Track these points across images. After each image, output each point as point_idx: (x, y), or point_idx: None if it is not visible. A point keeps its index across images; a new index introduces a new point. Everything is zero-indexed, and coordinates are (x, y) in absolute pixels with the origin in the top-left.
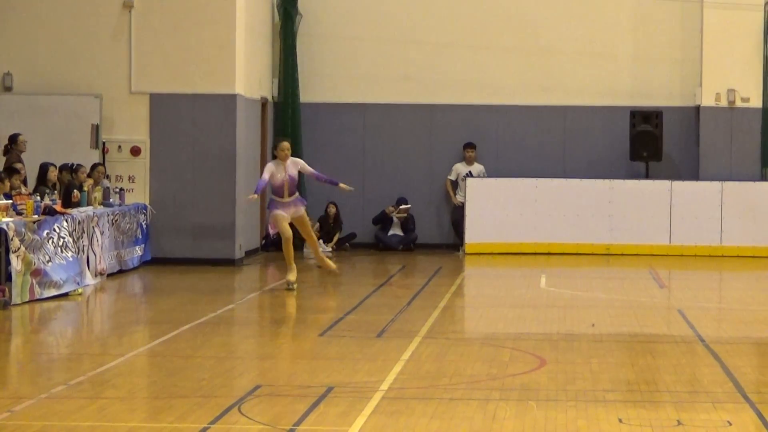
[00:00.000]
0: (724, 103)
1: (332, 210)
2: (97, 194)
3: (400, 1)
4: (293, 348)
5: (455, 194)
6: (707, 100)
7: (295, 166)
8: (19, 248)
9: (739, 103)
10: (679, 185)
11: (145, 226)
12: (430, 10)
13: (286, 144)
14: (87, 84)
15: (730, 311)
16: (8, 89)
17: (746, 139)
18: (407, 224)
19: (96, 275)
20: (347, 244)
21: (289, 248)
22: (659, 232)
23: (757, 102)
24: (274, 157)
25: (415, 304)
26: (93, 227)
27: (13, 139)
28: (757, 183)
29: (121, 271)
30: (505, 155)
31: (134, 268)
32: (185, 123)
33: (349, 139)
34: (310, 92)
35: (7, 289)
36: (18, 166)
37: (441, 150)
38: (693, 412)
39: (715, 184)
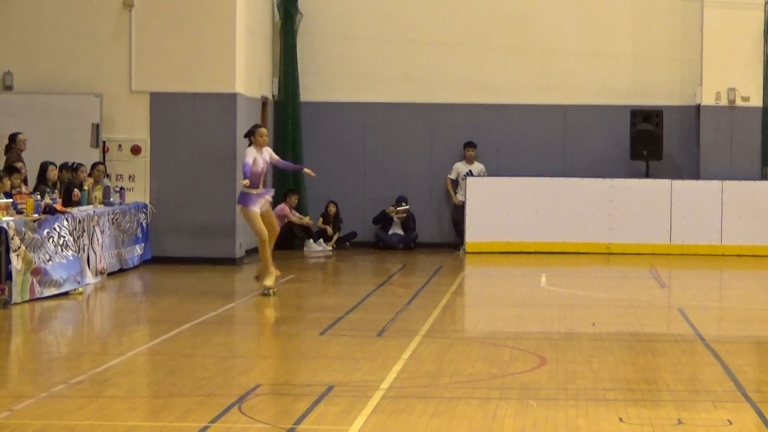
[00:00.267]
0: (724, 102)
1: (332, 209)
2: (98, 193)
3: (400, 1)
4: (293, 347)
5: (455, 193)
6: (707, 99)
7: (267, 153)
8: (19, 247)
9: (739, 102)
10: (679, 184)
11: (145, 225)
12: (430, 9)
13: (265, 130)
14: (87, 83)
15: (730, 310)
16: (8, 88)
17: (746, 138)
18: (407, 223)
19: (96, 274)
20: (347, 243)
21: (266, 250)
22: (660, 231)
23: (757, 101)
24: (250, 144)
25: (415, 303)
26: (93, 226)
27: (13, 138)
28: (758, 182)
29: (121, 270)
30: (505, 154)
31: (134, 267)
32: (185, 122)
33: (350, 139)
34: (311, 91)
35: (7, 287)
36: (18, 165)
37: (441, 149)
38: (693, 411)
39: (716, 183)
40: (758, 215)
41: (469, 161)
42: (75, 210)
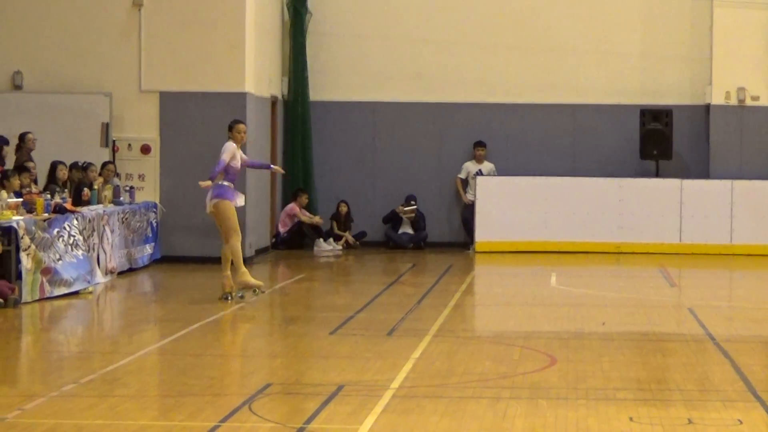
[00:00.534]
0: (734, 101)
1: (343, 208)
2: (107, 192)
3: (409, 0)
4: (304, 346)
5: (465, 193)
6: (717, 99)
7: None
8: (29, 246)
9: (749, 102)
10: (689, 184)
11: (155, 225)
12: (439, 8)
13: (244, 126)
14: (97, 82)
15: (740, 310)
16: (18, 88)
17: (756, 138)
18: (417, 223)
19: (106, 273)
20: (358, 242)
21: (239, 249)
22: (669, 231)
23: (767, 100)
24: (229, 139)
25: (425, 302)
26: (103, 225)
27: (23, 137)
28: None
29: (131, 270)
30: (515, 154)
31: (144, 267)
32: (195, 121)
33: (359, 138)
34: (320, 90)
35: (17, 287)
36: (29, 164)
37: (451, 148)
38: (704, 411)
39: (726, 183)
40: None
41: (479, 161)
42: (85, 209)
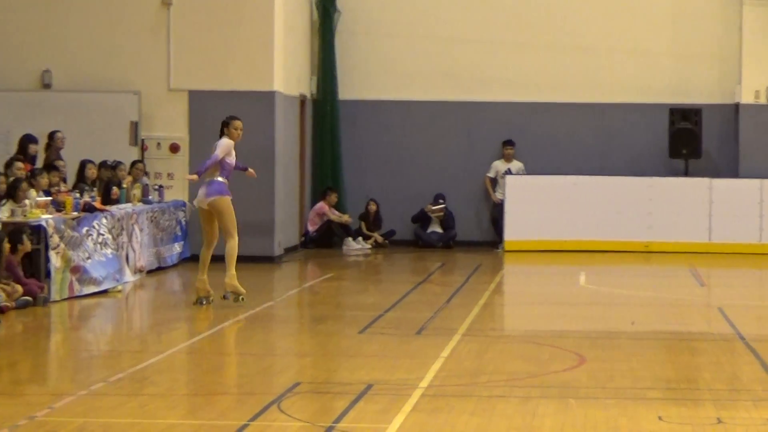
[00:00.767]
0: (763, 100)
1: (372, 208)
2: (137, 191)
3: None
4: (333, 345)
5: (494, 191)
6: (747, 98)
7: None
8: (58, 245)
9: None
10: (718, 183)
11: (184, 223)
12: (469, 7)
13: (240, 123)
14: (126, 81)
15: None
16: (47, 86)
17: None
18: (446, 222)
19: (135, 272)
20: (387, 241)
21: (235, 251)
22: (699, 230)
23: None
24: (222, 135)
25: (454, 301)
26: (132, 224)
27: (52, 136)
28: None
29: (160, 268)
30: (543, 153)
31: (173, 265)
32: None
33: (388, 137)
34: (349, 89)
35: (46, 285)
36: (59, 163)
37: (480, 147)
38: (733, 410)
39: (755, 182)
40: None
41: (508, 159)
42: (114, 208)
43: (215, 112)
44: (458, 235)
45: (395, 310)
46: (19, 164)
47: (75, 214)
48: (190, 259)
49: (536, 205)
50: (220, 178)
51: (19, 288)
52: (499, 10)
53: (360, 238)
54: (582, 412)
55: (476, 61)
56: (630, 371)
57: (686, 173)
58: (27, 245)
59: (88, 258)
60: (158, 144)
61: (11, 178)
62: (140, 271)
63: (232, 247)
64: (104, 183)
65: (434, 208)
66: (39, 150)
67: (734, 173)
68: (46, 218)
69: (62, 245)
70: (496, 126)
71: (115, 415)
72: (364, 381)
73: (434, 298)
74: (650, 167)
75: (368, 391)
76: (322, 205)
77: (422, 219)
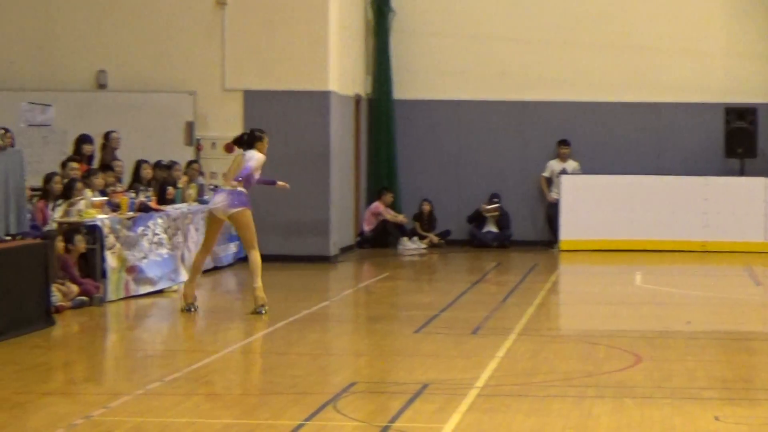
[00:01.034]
0: None
1: (427, 208)
2: (192, 191)
3: None
4: (388, 345)
5: (550, 191)
6: None
7: None
8: (114, 245)
9: None
10: None
11: None
12: (522, 6)
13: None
14: (181, 81)
15: None
16: (103, 86)
17: None
18: (502, 221)
19: None
20: (442, 240)
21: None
22: (755, 229)
23: None
24: (250, 147)
25: (510, 301)
26: (187, 224)
27: (107, 136)
28: None
29: (215, 269)
30: (599, 152)
31: (228, 265)
32: (279, 120)
33: (443, 136)
34: (404, 89)
35: (102, 285)
36: (115, 163)
37: (535, 147)
38: None
39: None
40: None
41: (563, 159)
42: (169, 208)
43: (270, 112)
44: (513, 235)
45: (451, 309)
46: (74, 164)
47: (130, 214)
48: (245, 260)
49: (592, 204)
50: (243, 189)
51: (75, 288)
52: (553, 10)
53: (416, 238)
54: (638, 412)
55: (531, 60)
56: (686, 371)
57: (742, 173)
58: (80, 246)
59: (144, 258)
60: (213, 144)
61: (66, 179)
62: None
63: (257, 258)
64: (160, 183)
65: (489, 207)
66: (94, 150)
67: None
68: (102, 218)
69: (118, 245)
70: (550, 125)
71: (171, 415)
72: (420, 381)
73: (490, 298)
74: (705, 167)
75: (424, 390)
76: (377, 205)
77: (478, 219)
